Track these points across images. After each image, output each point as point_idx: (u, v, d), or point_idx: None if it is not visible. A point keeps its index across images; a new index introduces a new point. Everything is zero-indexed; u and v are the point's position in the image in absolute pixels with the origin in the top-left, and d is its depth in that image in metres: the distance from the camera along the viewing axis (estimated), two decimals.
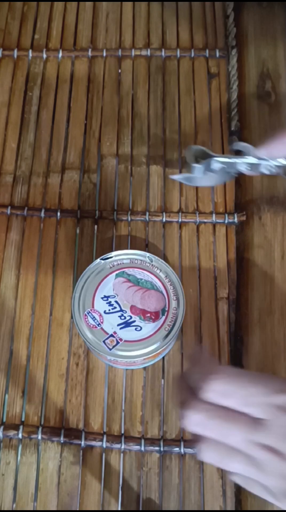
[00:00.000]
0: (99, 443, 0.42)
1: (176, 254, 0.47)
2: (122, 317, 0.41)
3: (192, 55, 0.55)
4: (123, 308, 0.41)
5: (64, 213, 0.49)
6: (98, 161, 0.51)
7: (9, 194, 0.50)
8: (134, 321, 0.40)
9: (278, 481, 0.25)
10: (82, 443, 0.42)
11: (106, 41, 0.56)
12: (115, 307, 0.41)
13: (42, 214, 0.48)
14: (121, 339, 0.39)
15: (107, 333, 0.40)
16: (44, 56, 0.55)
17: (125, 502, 0.41)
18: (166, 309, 0.41)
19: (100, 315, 0.41)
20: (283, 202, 0.47)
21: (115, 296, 0.42)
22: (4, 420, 0.43)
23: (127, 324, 0.40)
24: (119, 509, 0.41)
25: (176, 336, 0.40)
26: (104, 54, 0.55)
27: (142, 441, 0.42)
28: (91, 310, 0.41)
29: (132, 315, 0.41)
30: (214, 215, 0.48)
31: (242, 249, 0.47)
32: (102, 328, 0.40)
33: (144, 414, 0.43)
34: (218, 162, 0.38)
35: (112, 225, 0.48)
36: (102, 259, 0.43)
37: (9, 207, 0.49)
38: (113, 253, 0.43)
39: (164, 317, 0.41)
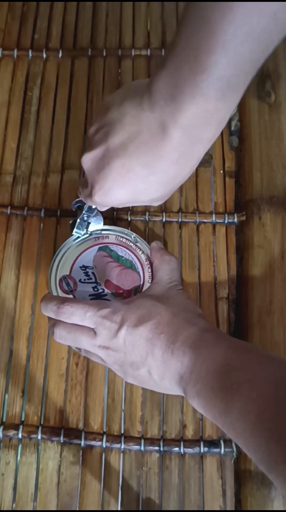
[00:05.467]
0: (99, 443, 0.42)
1: (176, 254, 0.47)
2: (95, 289, 0.41)
3: None
4: (98, 281, 0.42)
5: (64, 213, 0.49)
6: None
7: (9, 194, 0.50)
8: (105, 295, 0.41)
9: (115, 365, 0.37)
10: (82, 443, 0.42)
11: (106, 41, 0.56)
12: (91, 278, 0.42)
13: (42, 214, 0.48)
14: None
15: None
16: (44, 56, 0.55)
17: (125, 502, 0.41)
18: (139, 290, 0.42)
19: (75, 283, 0.41)
20: (283, 202, 0.47)
21: (93, 268, 0.42)
22: (4, 420, 0.43)
23: (98, 296, 0.41)
24: (119, 509, 0.41)
25: None
26: (104, 54, 0.55)
27: (142, 441, 0.42)
28: (67, 276, 0.42)
29: (105, 289, 0.42)
30: (214, 215, 0.48)
31: (242, 249, 0.47)
32: (73, 295, 0.41)
33: (144, 414, 0.43)
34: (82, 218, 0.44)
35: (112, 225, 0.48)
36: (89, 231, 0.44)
37: (9, 207, 0.49)
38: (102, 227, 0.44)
39: None
